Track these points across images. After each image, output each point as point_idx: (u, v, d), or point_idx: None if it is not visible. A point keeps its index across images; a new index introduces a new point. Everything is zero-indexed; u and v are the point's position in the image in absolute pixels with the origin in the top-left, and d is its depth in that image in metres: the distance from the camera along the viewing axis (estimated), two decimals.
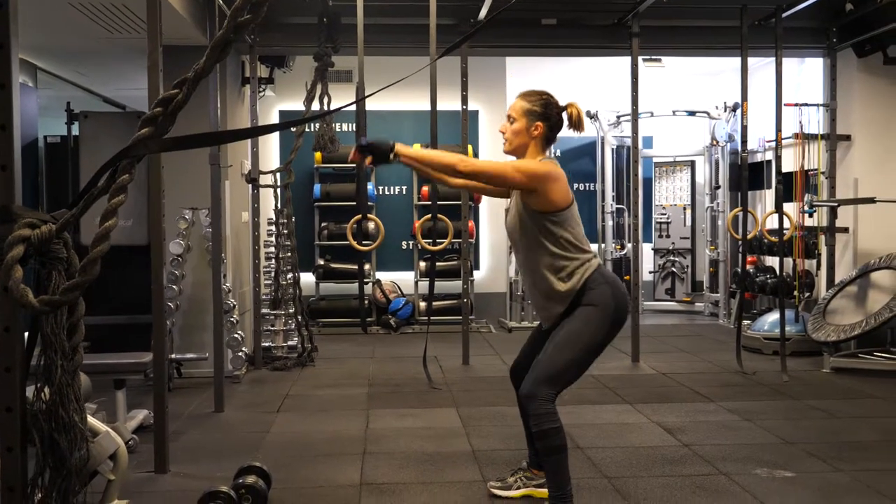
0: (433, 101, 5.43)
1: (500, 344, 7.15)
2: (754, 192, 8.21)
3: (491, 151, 8.64)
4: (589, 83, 9.15)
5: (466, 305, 6.48)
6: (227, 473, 3.35)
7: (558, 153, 9.44)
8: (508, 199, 3.16)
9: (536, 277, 3.00)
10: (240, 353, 5.67)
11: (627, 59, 6.24)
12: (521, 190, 2.95)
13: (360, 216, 5.29)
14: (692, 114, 8.79)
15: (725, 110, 8.50)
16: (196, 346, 5.61)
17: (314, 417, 4.66)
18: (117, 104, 7.98)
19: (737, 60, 5.90)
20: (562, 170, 2.98)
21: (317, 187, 8.26)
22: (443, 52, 2.79)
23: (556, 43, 6.69)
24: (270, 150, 8.35)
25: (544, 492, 3.11)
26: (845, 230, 6.56)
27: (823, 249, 6.66)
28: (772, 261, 7.72)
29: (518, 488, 3.28)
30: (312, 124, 7.31)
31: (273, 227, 6.59)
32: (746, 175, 5.82)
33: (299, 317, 6.39)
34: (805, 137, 6.73)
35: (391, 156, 2.95)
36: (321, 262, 8.26)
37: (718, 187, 8.64)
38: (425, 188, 7.98)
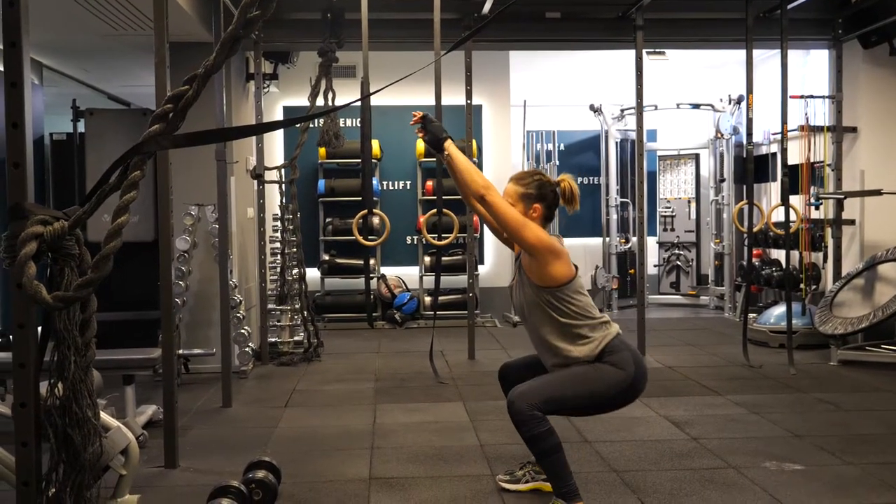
0: (437, 97, 5.43)
1: (506, 338, 7.16)
2: (759, 185, 8.20)
3: (494, 145, 8.64)
4: (593, 76, 9.14)
5: (472, 300, 6.48)
6: (237, 468, 3.36)
7: (562, 147, 9.44)
8: (513, 276, 3.19)
9: (552, 348, 3.01)
10: (246, 349, 5.68)
11: (631, 53, 6.22)
12: (526, 249, 2.96)
13: (365, 211, 5.31)
14: (696, 107, 8.77)
15: (730, 103, 8.48)
16: (203, 341, 5.63)
17: (322, 412, 4.68)
18: (122, 101, 7.99)
19: (741, 53, 5.88)
20: (565, 248, 3.02)
21: (321, 183, 8.26)
22: (448, 48, 2.79)
23: (560, 36, 6.67)
24: (275, 145, 8.36)
25: None
26: (852, 222, 6.55)
27: (830, 242, 6.65)
28: (777, 254, 7.71)
29: (527, 482, 3.29)
30: (317, 120, 7.31)
31: (278, 223, 6.60)
32: (752, 168, 5.81)
33: (305, 312, 6.41)
34: (811, 129, 6.72)
35: (443, 145, 3.03)
36: (326, 257, 8.27)
37: (723, 180, 8.62)
38: (430, 183, 7.97)
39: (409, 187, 8.62)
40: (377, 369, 5.91)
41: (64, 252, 1.91)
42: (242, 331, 5.63)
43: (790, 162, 5.98)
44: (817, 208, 6.71)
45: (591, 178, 9.51)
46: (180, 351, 5.41)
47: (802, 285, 6.64)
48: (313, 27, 5.97)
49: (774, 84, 5.92)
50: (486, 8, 5.92)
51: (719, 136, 8.63)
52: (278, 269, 6.55)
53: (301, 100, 6.57)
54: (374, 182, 8.03)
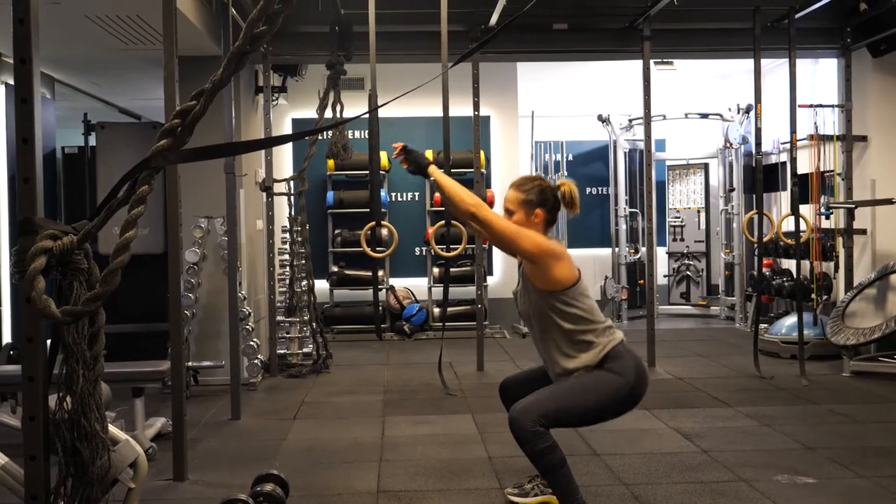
0: (445, 108, 5.44)
1: (515, 349, 7.14)
2: (769, 195, 8.16)
3: (503, 156, 8.64)
4: (601, 87, 9.14)
5: (480, 311, 6.47)
6: (245, 481, 3.36)
7: (570, 157, 9.43)
8: (517, 283, 3.19)
9: (555, 355, 3.00)
10: (255, 361, 5.69)
11: (639, 63, 6.23)
12: (526, 258, 2.96)
13: (373, 223, 5.31)
14: (705, 116, 8.76)
15: (739, 112, 8.47)
16: (212, 353, 5.64)
17: (330, 424, 4.67)
18: (133, 114, 8.05)
19: (749, 62, 5.87)
20: (566, 249, 3.03)
21: (330, 194, 8.29)
22: (455, 60, 2.80)
23: (568, 47, 6.69)
24: (284, 158, 8.39)
25: None
26: (863, 232, 6.51)
27: (841, 251, 6.61)
28: (788, 263, 7.67)
29: (535, 495, 3.27)
30: (325, 132, 7.34)
31: (287, 235, 6.62)
32: (761, 177, 5.78)
33: (314, 324, 6.41)
34: (820, 139, 6.69)
35: (427, 171, 3.12)
36: (335, 268, 8.28)
37: (733, 190, 8.60)
38: (438, 194, 7.98)
39: (417, 199, 8.63)
40: (386, 381, 5.90)
41: (73, 266, 1.92)
42: (251, 343, 5.64)
43: (800, 171, 5.96)
44: (828, 218, 6.67)
45: (599, 189, 9.49)
46: (189, 363, 5.43)
47: (814, 295, 6.60)
48: (322, 40, 6.01)
49: (783, 93, 5.91)
50: (494, 20, 5.94)
51: (728, 145, 8.61)
52: (287, 281, 6.56)
53: (310, 112, 6.61)
54: (383, 193, 8.05)
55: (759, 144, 5.75)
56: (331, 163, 7.96)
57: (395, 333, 8.00)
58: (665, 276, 9.45)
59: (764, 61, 6.01)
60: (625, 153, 9.08)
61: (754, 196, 6.19)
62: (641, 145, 7.72)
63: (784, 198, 7.84)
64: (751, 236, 5.97)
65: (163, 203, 5.14)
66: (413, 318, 8.05)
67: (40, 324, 2.00)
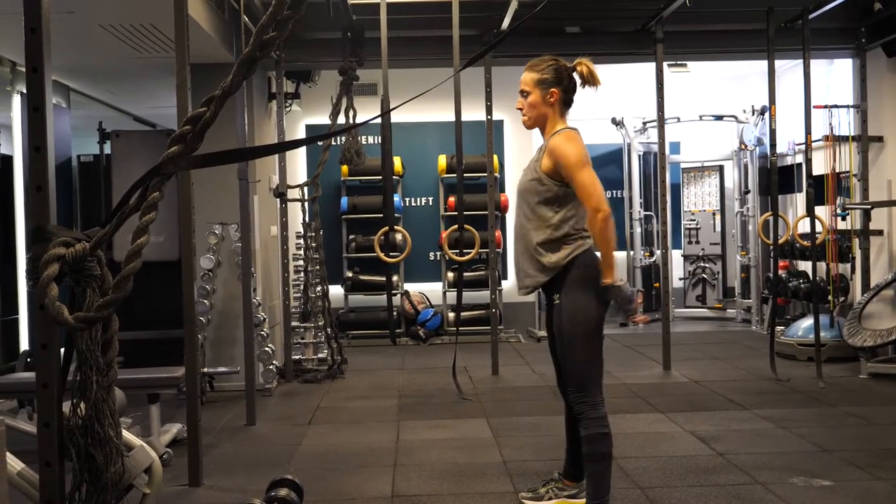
0: (457, 112, 5.45)
1: (530, 353, 7.12)
2: (785, 196, 8.10)
3: (516, 160, 8.63)
4: (614, 90, 9.08)
5: (495, 315, 6.46)
6: (260, 486, 3.36)
7: None
8: (531, 159, 3.16)
9: (527, 245, 3.00)
10: (270, 367, 5.71)
11: (652, 65, 6.20)
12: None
13: (387, 228, 5.32)
14: (719, 118, 8.70)
15: (753, 114, 8.41)
16: (227, 359, 5.67)
17: (345, 429, 4.68)
18: (148, 122, 8.12)
19: (763, 63, 5.83)
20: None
21: (344, 200, 8.31)
22: (465, 62, 2.80)
23: (580, 50, 6.52)
24: (298, 164, 8.43)
25: (576, 502, 3.10)
26: (880, 233, 6.44)
27: (857, 253, 6.54)
28: (804, 265, 7.61)
29: (550, 499, 3.26)
30: (339, 137, 7.37)
31: (301, 241, 6.64)
32: (776, 179, 5.74)
33: (329, 329, 6.43)
34: (836, 139, 6.63)
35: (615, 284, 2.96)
36: (349, 274, 8.31)
37: (748, 192, 8.54)
38: (452, 199, 7.98)
39: (430, 203, 8.64)
40: (401, 386, 5.90)
41: (86, 273, 1.93)
42: (266, 349, 5.66)
43: (815, 172, 5.91)
44: (844, 219, 6.61)
45: (614, 192, 9.45)
46: (205, 369, 5.45)
47: (830, 297, 6.54)
48: (334, 46, 6.03)
49: (798, 94, 5.86)
50: (506, 24, 5.94)
51: (743, 147, 8.55)
52: (302, 287, 6.59)
53: (323, 118, 6.64)
54: (396, 198, 8.06)
55: (773, 146, 5.71)
56: (344, 168, 7.99)
57: (409, 338, 8.00)
58: (681, 279, 9.40)
59: (778, 62, 5.97)
60: (639, 156, 9.05)
61: (769, 198, 6.14)
62: (656, 148, 7.69)
63: (800, 199, 7.76)
64: (766, 238, 5.92)
65: (178, 210, 5.18)
66: (428, 323, 8.05)
67: (54, 331, 2.02)
